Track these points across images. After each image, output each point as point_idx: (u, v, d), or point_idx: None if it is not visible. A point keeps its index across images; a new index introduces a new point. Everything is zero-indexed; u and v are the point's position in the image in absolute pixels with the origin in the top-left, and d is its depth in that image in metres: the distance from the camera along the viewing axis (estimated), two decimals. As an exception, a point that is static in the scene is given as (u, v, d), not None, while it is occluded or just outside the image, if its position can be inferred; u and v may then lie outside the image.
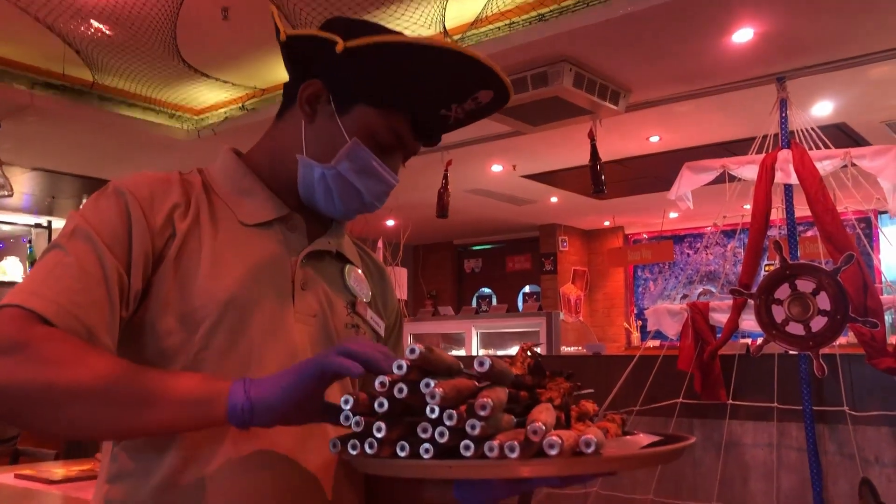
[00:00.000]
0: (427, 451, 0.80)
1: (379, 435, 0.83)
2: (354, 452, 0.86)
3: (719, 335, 4.18)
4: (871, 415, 3.80)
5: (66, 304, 0.91)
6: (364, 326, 1.14)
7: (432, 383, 0.80)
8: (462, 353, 7.63)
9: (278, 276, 1.08)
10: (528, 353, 1.08)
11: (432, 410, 0.80)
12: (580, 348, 7.75)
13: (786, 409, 4.02)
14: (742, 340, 4.56)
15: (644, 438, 0.97)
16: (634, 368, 4.39)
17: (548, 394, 0.95)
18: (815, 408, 3.91)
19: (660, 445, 0.98)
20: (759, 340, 3.70)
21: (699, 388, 4.19)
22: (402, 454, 0.82)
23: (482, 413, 0.77)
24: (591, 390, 1.12)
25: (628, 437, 0.97)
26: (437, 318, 8.17)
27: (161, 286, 1.02)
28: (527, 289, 12.11)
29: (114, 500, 1.02)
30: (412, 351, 0.83)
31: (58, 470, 3.12)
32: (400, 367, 0.83)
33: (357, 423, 0.85)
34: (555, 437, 0.75)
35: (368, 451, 0.84)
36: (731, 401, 4.15)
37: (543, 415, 0.81)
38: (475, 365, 0.83)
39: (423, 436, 0.81)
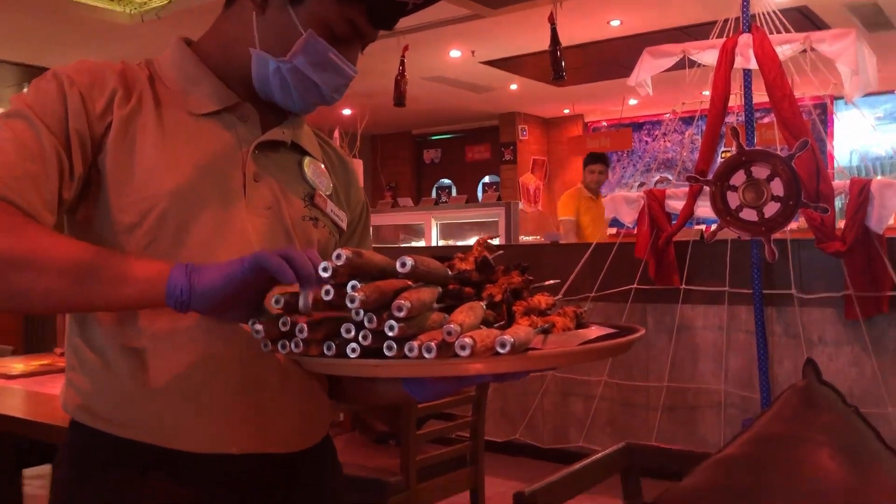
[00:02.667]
0: (354, 350, 0.82)
1: (301, 335, 0.84)
2: (284, 351, 0.86)
3: (675, 222, 4.23)
4: (817, 297, 3.93)
5: (5, 176, 0.90)
6: (323, 219, 1.11)
7: (357, 286, 0.81)
8: (422, 244, 7.65)
9: (229, 167, 1.05)
10: (482, 247, 1.06)
11: (356, 313, 0.81)
12: (539, 238, 7.82)
13: (736, 293, 4.14)
14: (696, 227, 4.64)
15: (594, 331, 0.97)
16: (591, 256, 4.45)
17: (490, 289, 0.94)
18: (764, 291, 4.03)
19: (608, 338, 0.98)
20: (714, 227, 3.76)
21: (653, 273, 4.27)
22: (329, 353, 0.84)
23: (399, 314, 0.79)
24: (555, 281, 1.12)
25: (575, 331, 0.97)
26: (395, 209, 8.13)
27: (104, 176, 1.00)
28: (486, 179, 12.09)
29: (80, 389, 1.04)
30: (338, 256, 0.82)
31: (16, 365, 3.11)
32: (325, 270, 0.83)
33: (283, 323, 0.86)
34: (467, 339, 0.76)
35: (294, 350, 0.85)
36: (683, 286, 4.25)
37: (462, 315, 0.81)
38: (397, 265, 0.83)
39: (347, 336, 0.82)
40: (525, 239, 7.89)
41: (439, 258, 1.07)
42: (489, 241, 1.12)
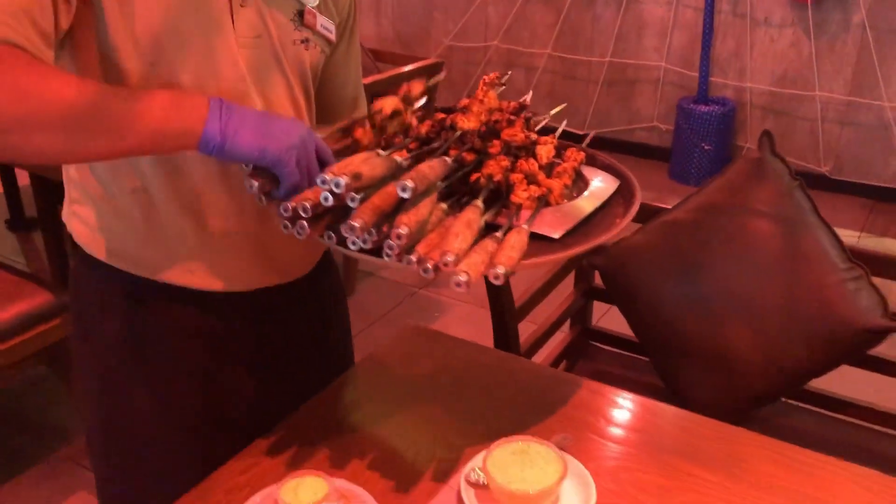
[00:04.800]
0: (354, 245, 0.86)
1: (301, 232, 0.88)
2: (286, 232, 0.91)
3: None
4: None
5: (2, 16, 0.81)
6: (314, 38, 1.04)
7: (355, 199, 0.85)
8: None
9: None
10: (488, 87, 1.04)
11: (350, 230, 0.84)
12: None
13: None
14: None
15: (592, 201, 1.01)
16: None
17: (489, 169, 0.95)
18: (719, -32, 3.91)
19: (604, 205, 1.03)
20: None
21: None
22: (330, 242, 0.89)
23: (398, 242, 0.83)
24: (551, 115, 1.11)
25: (570, 204, 1.00)
26: None
27: (95, 12, 0.91)
28: None
29: (87, 222, 1.06)
30: (337, 185, 0.84)
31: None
32: (326, 200, 0.86)
33: (284, 210, 0.88)
34: (462, 276, 0.80)
35: (297, 235, 0.89)
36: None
37: (458, 240, 0.84)
38: (398, 191, 0.84)
39: (347, 235, 0.85)
40: None
41: (445, 110, 1.05)
42: (499, 79, 1.09)
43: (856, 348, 1.48)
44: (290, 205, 0.88)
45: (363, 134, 1.02)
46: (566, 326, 1.87)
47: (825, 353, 1.48)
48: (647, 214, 1.69)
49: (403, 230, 0.83)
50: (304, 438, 1.09)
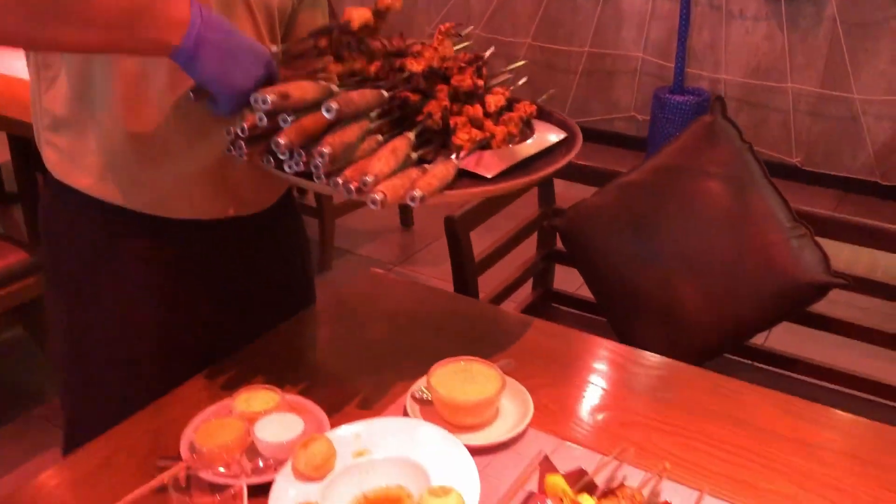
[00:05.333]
0: (290, 167, 0.91)
1: (238, 152, 0.93)
2: (229, 153, 0.95)
3: None
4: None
5: None
6: None
7: (287, 119, 0.90)
8: None
9: None
10: (444, 36, 1.08)
11: (283, 154, 0.89)
12: None
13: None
14: None
15: (532, 146, 1.04)
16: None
17: (430, 107, 0.99)
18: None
19: (549, 151, 1.07)
20: None
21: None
22: (269, 166, 0.93)
23: (320, 160, 0.87)
24: (508, 77, 1.15)
25: (512, 147, 1.03)
26: None
27: None
28: None
29: (61, 149, 1.08)
30: (264, 101, 0.88)
31: None
32: (261, 120, 0.90)
33: (228, 132, 0.94)
34: (378, 195, 0.85)
35: (238, 157, 0.93)
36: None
37: (380, 163, 0.89)
38: (323, 111, 0.89)
39: (282, 157, 0.90)
40: None
41: (396, 54, 1.09)
42: (455, 29, 1.13)
43: (799, 303, 1.55)
44: (232, 127, 0.93)
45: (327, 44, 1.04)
46: (529, 288, 1.93)
47: (770, 307, 1.55)
48: (606, 178, 1.75)
49: (326, 149, 0.87)
50: (261, 364, 1.14)
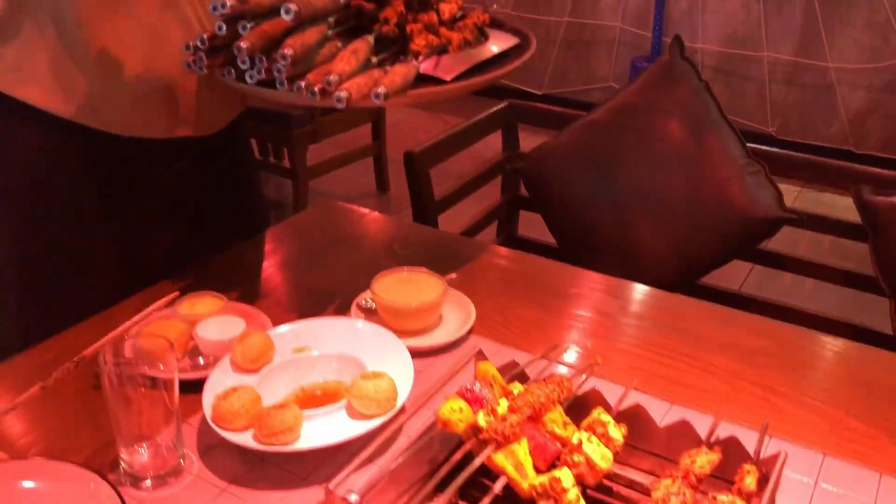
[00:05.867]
0: (251, 77, 0.91)
1: (199, 65, 0.93)
2: (189, 70, 0.95)
3: None
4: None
5: None
6: None
7: (246, 27, 0.90)
8: None
9: None
10: None
11: (245, 59, 0.89)
12: None
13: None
14: None
15: (487, 49, 1.06)
16: None
17: (387, 12, 1.00)
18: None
19: (505, 54, 1.08)
20: None
21: None
22: (229, 78, 0.93)
23: (283, 63, 0.88)
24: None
25: (469, 51, 1.05)
26: None
27: None
28: None
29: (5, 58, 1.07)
30: (223, 6, 0.88)
31: None
32: (220, 29, 0.90)
33: (186, 47, 0.93)
34: (343, 93, 0.86)
35: (197, 70, 0.94)
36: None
37: (342, 63, 0.90)
38: (282, 13, 0.89)
39: (243, 67, 0.90)
40: None
41: None
42: None
43: (752, 238, 1.57)
44: (190, 41, 0.93)
45: None
46: (493, 235, 1.94)
47: (724, 242, 1.57)
48: (569, 119, 1.77)
49: (288, 51, 0.88)
50: (212, 279, 1.14)
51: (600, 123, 1.70)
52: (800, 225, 1.56)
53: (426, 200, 1.58)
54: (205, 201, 1.24)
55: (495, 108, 1.84)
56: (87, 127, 1.10)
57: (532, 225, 2.00)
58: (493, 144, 1.91)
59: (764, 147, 1.62)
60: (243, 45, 0.88)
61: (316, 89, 0.89)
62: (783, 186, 1.58)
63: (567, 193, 1.71)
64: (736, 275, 2.48)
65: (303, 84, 0.89)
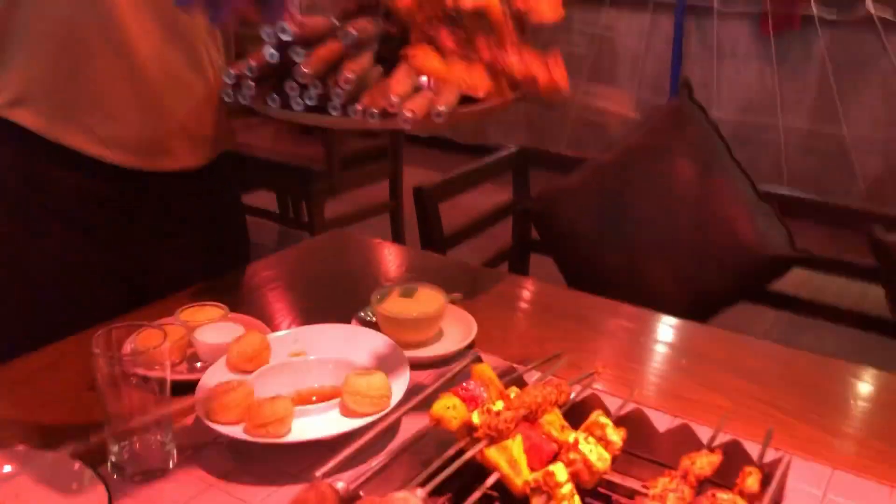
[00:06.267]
0: (298, 104, 0.90)
1: (246, 92, 0.92)
2: (229, 100, 0.94)
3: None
4: (736, 11, 4.03)
5: None
6: None
7: (300, 53, 0.88)
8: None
9: None
10: None
11: (301, 76, 0.88)
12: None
13: (660, 2, 4.19)
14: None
15: None
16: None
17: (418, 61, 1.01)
18: (688, 3, 4.10)
19: None
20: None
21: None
22: (273, 105, 0.92)
23: (345, 87, 0.87)
24: None
25: None
26: None
27: None
28: None
29: None
30: (283, 31, 0.88)
31: None
32: (272, 57, 0.89)
33: (228, 76, 0.92)
34: (408, 113, 0.86)
35: (242, 99, 0.92)
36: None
37: (400, 86, 0.89)
38: (341, 38, 0.89)
39: (292, 94, 0.90)
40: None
41: None
42: None
43: (762, 276, 1.55)
44: (234, 71, 0.91)
45: None
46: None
47: (734, 280, 1.56)
48: (580, 164, 1.78)
49: (350, 74, 0.87)
50: (213, 292, 1.15)
51: (610, 164, 1.71)
52: (811, 266, 1.54)
53: (434, 232, 1.59)
54: (183, 228, 1.22)
55: (507, 152, 1.86)
56: (66, 147, 1.08)
57: (543, 268, 2.00)
58: (505, 188, 1.92)
59: (775, 189, 1.62)
60: (308, 70, 0.87)
61: (375, 111, 0.87)
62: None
63: (577, 232, 1.71)
64: (760, 325, 2.43)
65: (359, 108, 0.88)
